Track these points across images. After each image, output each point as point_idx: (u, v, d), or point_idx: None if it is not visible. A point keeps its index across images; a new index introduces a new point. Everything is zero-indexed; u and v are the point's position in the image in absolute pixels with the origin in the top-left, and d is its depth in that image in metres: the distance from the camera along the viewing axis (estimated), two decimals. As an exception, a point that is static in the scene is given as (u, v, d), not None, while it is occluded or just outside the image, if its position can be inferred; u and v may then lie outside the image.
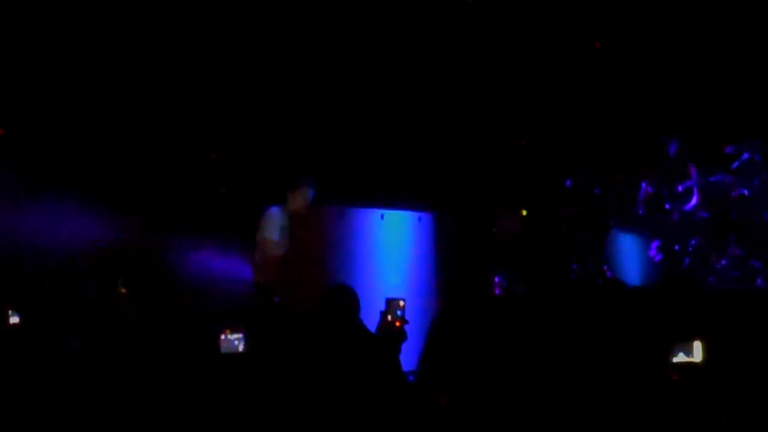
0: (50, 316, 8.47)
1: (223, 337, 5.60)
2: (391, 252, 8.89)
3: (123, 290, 10.21)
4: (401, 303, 6.36)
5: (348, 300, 6.20)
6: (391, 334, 6.16)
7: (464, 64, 11.33)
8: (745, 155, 10.22)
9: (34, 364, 5.79)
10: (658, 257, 10.17)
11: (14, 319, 8.19)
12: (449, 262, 9.81)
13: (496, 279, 10.89)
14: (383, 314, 6.26)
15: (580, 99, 11.30)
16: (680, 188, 10.49)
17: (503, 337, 6.35)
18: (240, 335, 5.59)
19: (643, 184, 10.65)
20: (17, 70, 11.00)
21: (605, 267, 10.60)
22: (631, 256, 10.34)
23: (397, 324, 6.25)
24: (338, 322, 5.92)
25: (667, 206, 10.47)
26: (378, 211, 8.95)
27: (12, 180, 10.63)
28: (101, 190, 11.17)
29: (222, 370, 5.32)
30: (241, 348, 5.60)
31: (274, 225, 9.36)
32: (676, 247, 10.18)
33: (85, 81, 11.27)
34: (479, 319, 6.00)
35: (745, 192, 10.25)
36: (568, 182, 11.17)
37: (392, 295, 8.01)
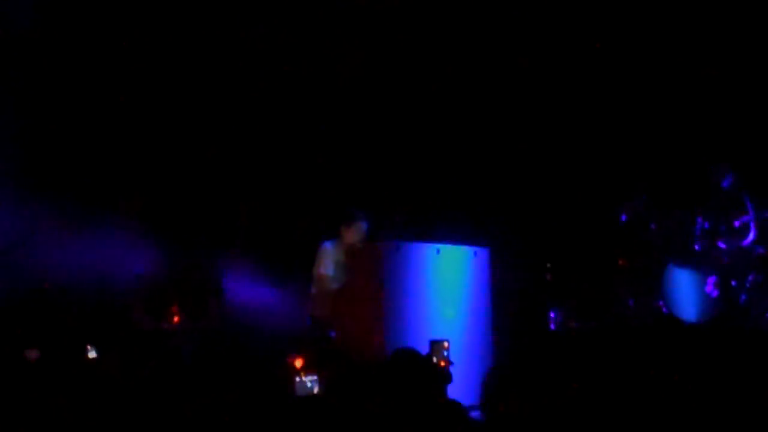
0: (120, 349, 8.54)
1: (298, 380, 5.61)
2: (446, 287, 8.86)
3: (176, 319, 10.29)
4: (445, 344, 6.38)
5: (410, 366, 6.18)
6: (436, 376, 6.16)
7: (521, 98, 11.36)
8: (802, 188, 10.17)
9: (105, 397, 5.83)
10: (715, 293, 10.10)
11: (92, 354, 8.30)
12: (505, 297, 9.79)
13: (551, 314, 10.85)
14: (428, 356, 6.27)
15: (635, 131, 11.26)
16: (737, 223, 10.42)
17: (560, 373, 6.33)
18: (314, 377, 5.60)
19: (699, 219, 10.58)
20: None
21: (661, 303, 10.54)
22: (687, 291, 10.28)
23: (442, 364, 6.26)
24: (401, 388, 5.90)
25: (722, 242, 10.41)
26: (434, 246, 8.93)
27: (52, 209, 10.72)
28: (156, 220, 11.26)
29: (293, 412, 5.32)
30: (315, 390, 5.62)
31: (329, 260, 9.42)
32: (733, 283, 10.10)
33: (134, 109, 11.37)
34: (537, 355, 5.99)
35: (803, 227, 10.19)
36: (623, 216, 11.13)
37: (447, 330, 8.03)
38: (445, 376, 6.25)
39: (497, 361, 8.79)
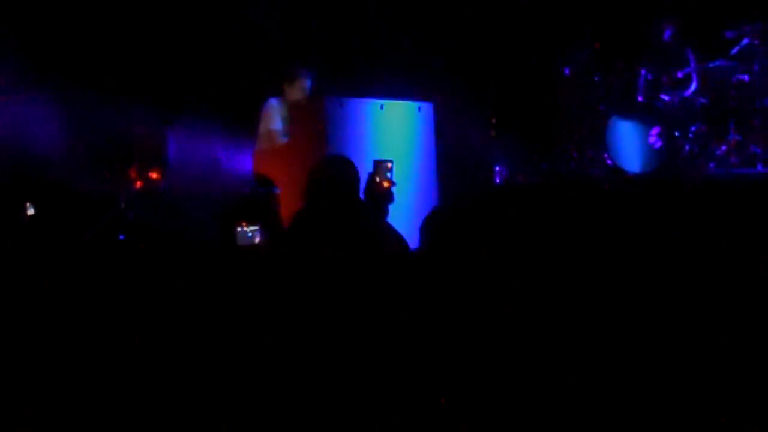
0: (62, 209, 8.47)
1: (239, 229, 5.59)
2: (391, 143, 8.84)
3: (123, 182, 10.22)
4: (389, 165, 6.34)
5: (347, 168, 6.15)
6: (378, 195, 6.17)
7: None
8: (745, 40, 10.17)
9: (52, 254, 5.77)
10: (659, 144, 10.15)
11: (30, 212, 8.23)
12: (449, 153, 9.79)
13: (497, 168, 10.89)
14: (371, 176, 6.25)
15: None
16: (680, 74, 10.44)
17: (504, 226, 6.35)
18: (256, 227, 5.58)
19: (643, 71, 10.59)
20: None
21: (605, 155, 10.59)
22: (631, 143, 10.33)
23: (385, 185, 6.24)
24: (340, 193, 5.88)
25: (665, 93, 10.44)
26: (378, 101, 8.88)
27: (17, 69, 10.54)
28: (101, 77, 11.10)
29: (237, 262, 5.31)
30: (257, 240, 5.60)
31: (276, 115, 9.36)
32: (677, 134, 10.15)
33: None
34: (480, 208, 5.99)
35: (745, 78, 10.21)
36: (566, 70, 11.11)
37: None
38: (387, 196, 6.23)
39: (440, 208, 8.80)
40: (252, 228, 5.60)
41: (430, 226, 4.90)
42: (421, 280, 4.55)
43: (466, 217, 4.92)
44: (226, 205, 8.78)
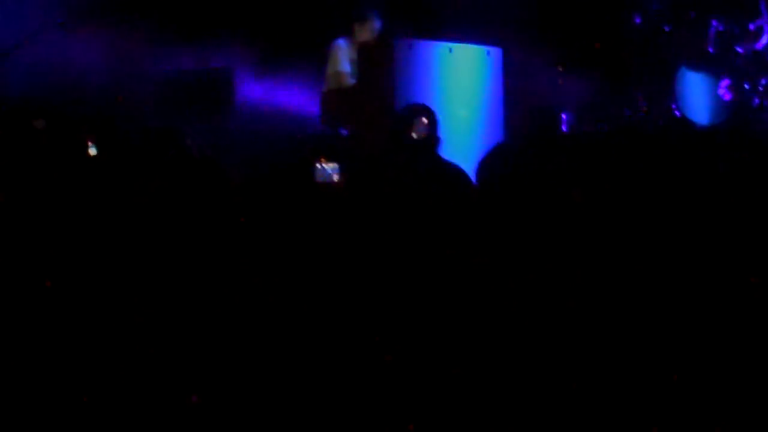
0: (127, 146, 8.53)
1: (318, 166, 5.60)
2: (459, 86, 8.83)
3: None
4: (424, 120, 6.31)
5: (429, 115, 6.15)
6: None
7: None
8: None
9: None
10: (728, 96, 10.06)
11: (92, 151, 8.30)
12: (517, 99, 9.77)
13: (564, 116, 10.82)
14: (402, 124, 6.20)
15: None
16: (751, 27, 10.31)
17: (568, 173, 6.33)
18: (336, 165, 5.59)
19: (714, 22, 10.47)
20: None
21: (674, 106, 10.51)
22: (700, 94, 10.24)
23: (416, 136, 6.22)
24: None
25: (736, 45, 10.32)
26: (447, 44, 8.86)
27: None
28: (168, 16, 11.14)
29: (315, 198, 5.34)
30: (335, 178, 5.61)
31: (344, 57, 9.36)
32: (747, 86, 10.05)
33: None
34: (545, 153, 5.97)
35: (819, 30, 10.09)
36: (637, 19, 11.00)
37: (459, 129, 8.01)
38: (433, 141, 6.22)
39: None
40: (331, 165, 5.61)
41: (488, 163, 4.89)
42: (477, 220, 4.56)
43: (526, 157, 4.91)
44: (298, 142, 8.82)
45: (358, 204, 4.88)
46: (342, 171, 5.61)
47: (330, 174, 5.61)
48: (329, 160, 5.62)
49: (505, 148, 5.17)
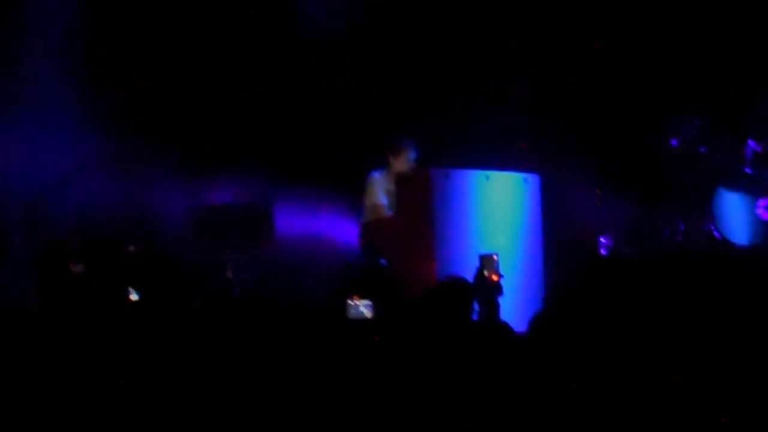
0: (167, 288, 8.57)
1: (350, 302, 5.62)
2: (497, 214, 8.85)
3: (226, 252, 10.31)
4: (495, 258, 6.34)
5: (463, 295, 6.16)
6: (487, 289, 6.15)
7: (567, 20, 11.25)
8: None
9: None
10: (766, 216, 10.04)
11: (134, 296, 8.32)
12: (555, 224, 9.78)
13: (602, 240, 10.81)
14: (479, 270, 6.24)
15: (686, 51, 11.12)
16: (790, 145, 10.33)
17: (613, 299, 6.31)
18: (368, 302, 5.61)
19: (751, 142, 10.49)
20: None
21: (713, 227, 10.48)
22: (738, 215, 10.22)
23: (494, 278, 6.23)
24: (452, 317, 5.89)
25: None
26: (483, 172, 8.91)
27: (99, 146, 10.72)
28: (202, 149, 11.27)
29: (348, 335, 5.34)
30: (368, 315, 5.63)
31: (380, 189, 9.42)
32: (785, 205, 10.04)
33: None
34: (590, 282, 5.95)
35: None
36: (674, 141, 11.03)
37: (501, 254, 8.00)
38: (496, 288, 6.22)
39: (548, 295, 8.80)
40: (364, 302, 5.63)
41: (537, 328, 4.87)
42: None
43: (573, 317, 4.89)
44: (336, 276, 8.84)
45: (391, 342, 4.89)
46: (375, 307, 5.64)
47: (362, 311, 5.64)
48: (362, 296, 5.66)
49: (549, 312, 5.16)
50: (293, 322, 5.48)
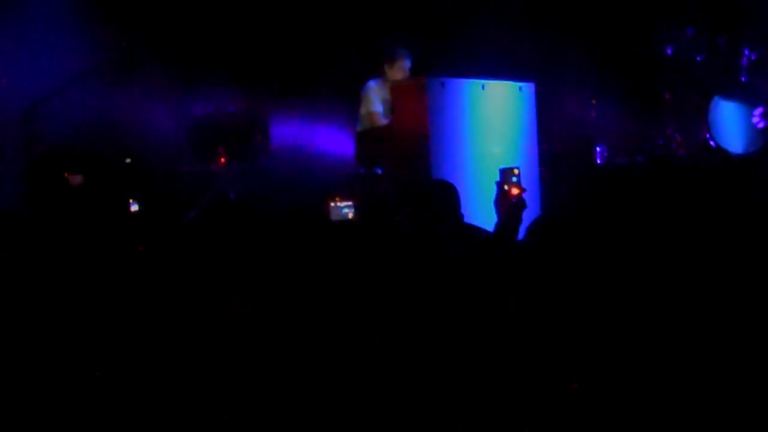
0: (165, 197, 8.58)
1: (332, 204, 5.67)
2: (492, 123, 8.84)
3: (222, 160, 10.33)
4: (516, 171, 6.31)
5: (449, 196, 6.16)
6: (510, 204, 6.13)
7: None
8: None
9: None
10: (762, 124, 10.03)
11: (134, 208, 8.37)
12: (550, 133, 9.77)
13: (598, 149, 10.83)
14: (500, 184, 6.22)
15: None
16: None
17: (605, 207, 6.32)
18: (350, 203, 5.65)
19: (746, 51, 10.45)
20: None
21: (708, 136, 10.47)
22: (734, 124, 10.21)
23: (515, 192, 6.20)
24: (439, 218, 5.89)
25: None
26: (479, 81, 8.88)
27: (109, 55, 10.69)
28: (197, 59, 11.23)
29: (331, 236, 5.38)
30: (350, 216, 5.67)
31: (376, 97, 9.41)
32: (781, 114, 10.02)
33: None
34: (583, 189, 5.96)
35: None
36: (669, 50, 10.99)
37: (494, 166, 8.01)
38: (520, 203, 6.19)
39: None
40: (345, 204, 5.67)
41: (536, 234, 4.87)
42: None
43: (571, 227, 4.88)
44: (327, 185, 8.86)
45: (372, 243, 4.92)
46: (356, 209, 5.68)
47: (344, 213, 5.68)
48: (343, 199, 5.70)
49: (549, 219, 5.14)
50: (282, 224, 5.52)
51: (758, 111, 10.04)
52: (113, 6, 10.87)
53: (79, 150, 10.08)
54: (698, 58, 10.92)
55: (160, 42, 11.09)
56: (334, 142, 10.96)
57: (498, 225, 5.90)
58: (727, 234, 5.12)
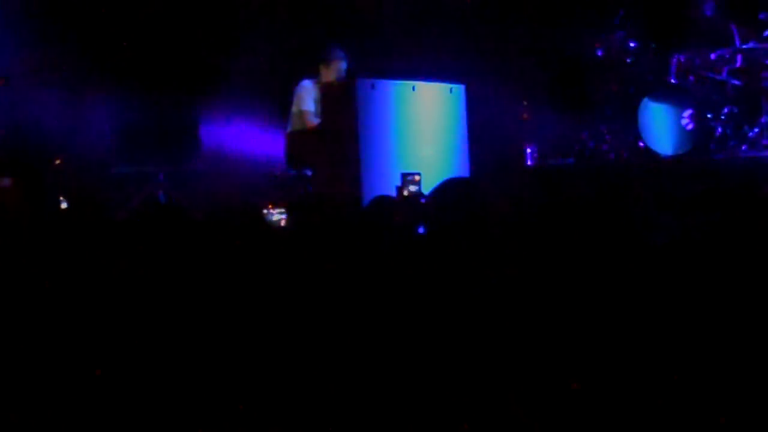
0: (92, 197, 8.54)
1: (265, 211, 5.69)
2: (423, 124, 8.86)
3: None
4: (416, 177, 6.36)
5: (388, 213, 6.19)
6: (410, 205, 6.18)
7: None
8: (779, 22, 10.11)
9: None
10: (691, 126, 10.11)
11: (64, 205, 8.32)
12: (481, 134, 9.81)
13: (529, 150, 10.88)
14: (399, 189, 6.27)
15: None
16: (713, 56, 10.39)
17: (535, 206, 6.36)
18: (283, 210, 5.68)
19: (675, 53, 10.55)
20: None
21: (638, 137, 10.55)
22: (663, 125, 10.29)
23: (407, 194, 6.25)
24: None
25: (697, 75, 10.41)
26: (410, 83, 8.90)
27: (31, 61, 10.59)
28: (131, 64, 11.15)
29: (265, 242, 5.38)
30: (283, 223, 5.70)
31: (309, 97, 9.40)
32: (709, 116, 10.10)
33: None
34: (513, 187, 5.99)
35: (778, 60, 10.15)
36: (599, 51, 11.07)
37: (424, 168, 8.06)
38: (418, 206, 6.25)
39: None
40: (278, 211, 5.70)
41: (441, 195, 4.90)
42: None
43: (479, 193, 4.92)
44: (257, 187, 8.84)
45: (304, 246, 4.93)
46: (288, 215, 5.71)
47: (277, 219, 5.72)
48: (276, 206, 5.73)
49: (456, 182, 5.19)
50: (212, 228, 5.52)
51: (687, 113, 10.12)
52: (38, 7, 10.75)
53: (3, 152, 9.97)
54: (628, 60, 11.01)
55: (89, 43, 11.00)
56: (264, 143, 10.93)
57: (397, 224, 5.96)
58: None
